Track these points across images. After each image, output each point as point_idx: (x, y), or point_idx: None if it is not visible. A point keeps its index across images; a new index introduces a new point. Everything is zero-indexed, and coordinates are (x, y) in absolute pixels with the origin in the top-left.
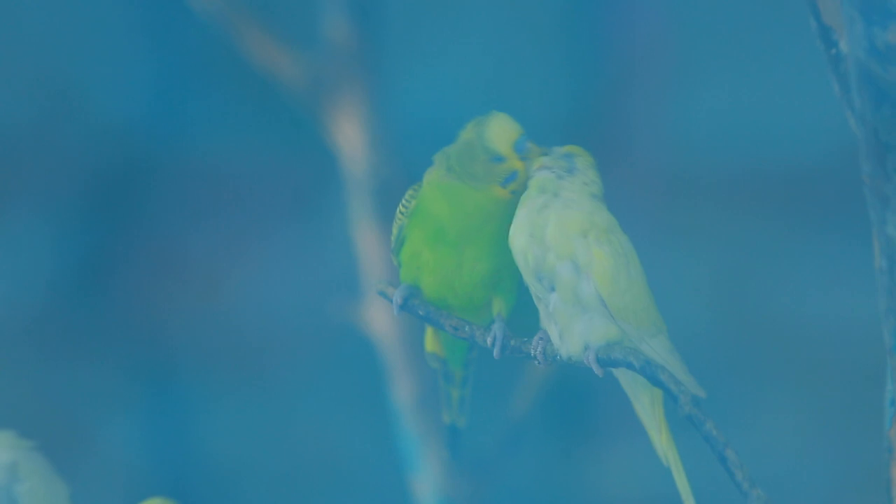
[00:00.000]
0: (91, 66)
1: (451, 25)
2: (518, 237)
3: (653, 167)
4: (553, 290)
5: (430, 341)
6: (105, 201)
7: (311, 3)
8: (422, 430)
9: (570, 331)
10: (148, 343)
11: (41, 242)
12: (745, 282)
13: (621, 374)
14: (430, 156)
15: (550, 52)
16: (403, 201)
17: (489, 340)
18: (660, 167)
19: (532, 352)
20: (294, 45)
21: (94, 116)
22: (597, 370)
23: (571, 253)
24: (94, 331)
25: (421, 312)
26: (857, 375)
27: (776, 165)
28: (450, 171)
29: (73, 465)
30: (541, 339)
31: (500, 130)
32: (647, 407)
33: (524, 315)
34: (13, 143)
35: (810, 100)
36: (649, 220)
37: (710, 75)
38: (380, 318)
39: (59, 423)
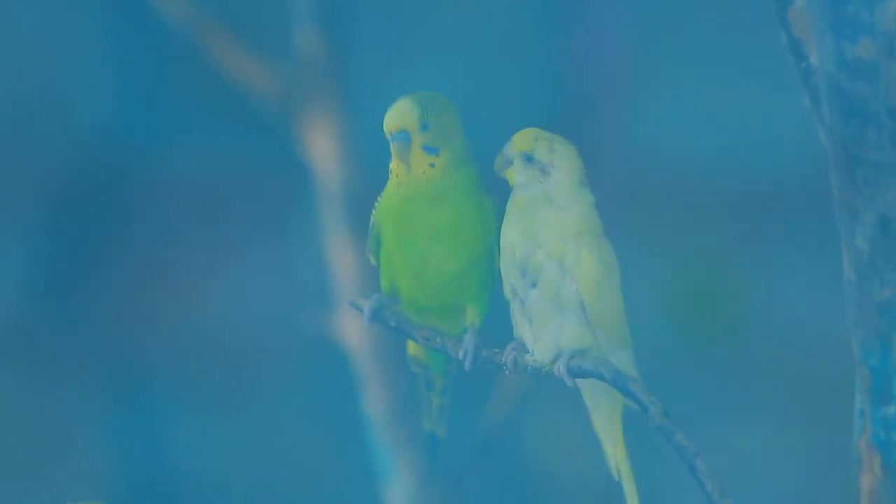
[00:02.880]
0: (63, 77)
1: (422, 37)
2: (509, 233)
3: (622, 178)
4: (534, 285)
5: (413, 344)
6: (78, 212)
7: (283, 15)
8: (395, 441)
9: (544, 330)
10: (121, 353)
11: (14, 252)
12: (715, 293)
13: (584, 385)
14: None
15: (523, 64)
16: (378, 199)
17: (461, 353)
18: (629, 178)
19: (505, 362)
20: (266, 57)
21: (66, 127)
22: (568, 381)
23: (561, 253)
24: (66, 342)
25: (392, 323)
26: (826, 387)
27: (746, 177)
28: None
29: (48, 477)
30: (513, 348)
31: (391, 112)
32: (605, 419)
33: (497, 326)
34: None
35: (780, 112)
36: (617, 230)
37: (681, 87)
38: (353, 329)
39: (35, 435)
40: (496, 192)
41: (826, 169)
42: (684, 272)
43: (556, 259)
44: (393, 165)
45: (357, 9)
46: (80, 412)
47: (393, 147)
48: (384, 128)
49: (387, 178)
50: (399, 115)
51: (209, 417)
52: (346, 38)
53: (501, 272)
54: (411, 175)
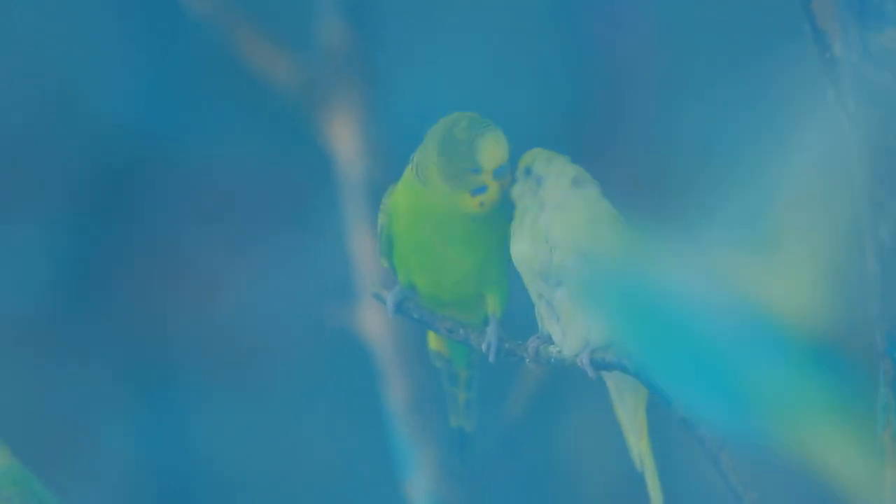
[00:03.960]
0: (86, 69)
1: (444, 28)
2: (519, 248)
3: (642, 172)
4: (559, 285)
5: (434, 339)
6: (100, 205)
7: (306, 7)
8: (416, 434)
9: (572, 326)
10: (142, 347)
11: (36, 246)
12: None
13: (608, 376)
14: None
15: (543, 56)
16: (383, 199)
17: (483, 346)
18: (650, 171)
19: (526, 352)
20: (289, 48)
21: (89, 119)
22: (590, 373)
23: (578, 245)
24: (88, 335)
25: (415, 315)
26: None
27: (769, 168)
28: (420, 178)
29: (68, 469)
30: (537, 338)
31: (491, 150)
32: (630, 411)
33: (520, 316)
34: (8, 146)
35: (804, 103)
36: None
37: (703, 78)
38: (374, 322)
39: (54, 428)
40: None
41: (850, 160)
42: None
43: (575, 252)
44: (482, 198)
45: (380, 1)
46: (101, 404)
47: (496, 182)
48: (485, 162)
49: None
50: (502, 150)
51: (230, 410)
52: (368, 30)
53: (524, 281)
54: (484, 208)
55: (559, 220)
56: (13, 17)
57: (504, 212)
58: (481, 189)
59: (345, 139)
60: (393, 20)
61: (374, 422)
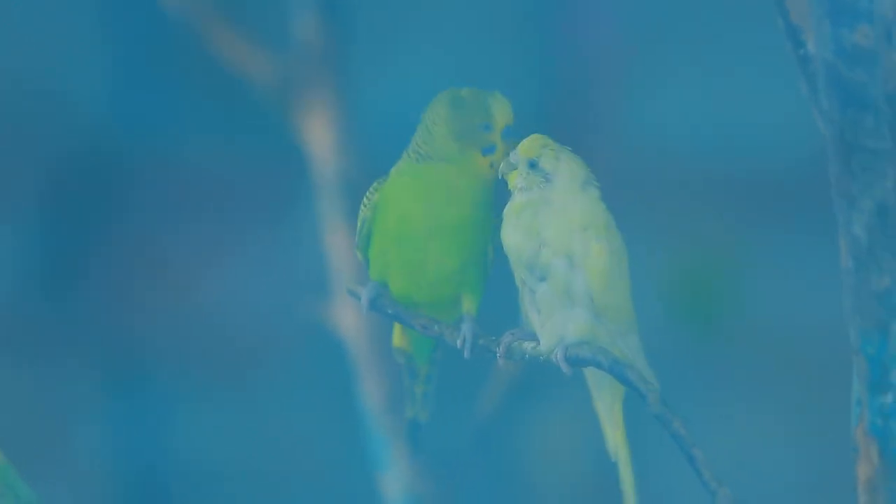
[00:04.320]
0: (61, 66)
1: (420, 25)
2: (511, 236)
3: (619, 167)
4: (543, 279)
5: (398, 337)
6: (75, 202)
7: (281, 4)
8: (390, 430)
9: (549, 320)
10: (117, 344)
11: (11, 244)
12: (712, 281)
13: (587, 370)
14: (399, 155)
15: (519, 52)
16: (367, 194)
17: (459, 342)
18: (626, 167)
19: (498, 347)
20: (264, 45)
21: (65, 117)
22: (565, 369)
23: (568, 248)
24: (64, 332)
25: (390, 311)
26: (823, 375)
27: (743, 165)
28: (420, 156)
29: (44, 468)
30: (511, 334)
31: (503, 108)
32: (607, 404)
33: (494, 313)
34: None
35: (778, 100)
36: (617, 219)
37: (678, 74)
38: (349, 318)
39: (31, 426)
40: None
41: (824, 156)
42: (681, 261)
43: (564, 255)
44: (493, 158)
45: None
46: (77, 402)
47: (507, 142)
48: (497, 118)
49: (386, 167)
50: (510, 110)
51: (205, 407)
52: (344, 26)
53: (511, 267)
54: (493, 172)
55: (556, 221)
56: None
57: (489, 225)
58: (491, 149)
59: (320, 136)
60: (368, 17)
61: (348, 418)
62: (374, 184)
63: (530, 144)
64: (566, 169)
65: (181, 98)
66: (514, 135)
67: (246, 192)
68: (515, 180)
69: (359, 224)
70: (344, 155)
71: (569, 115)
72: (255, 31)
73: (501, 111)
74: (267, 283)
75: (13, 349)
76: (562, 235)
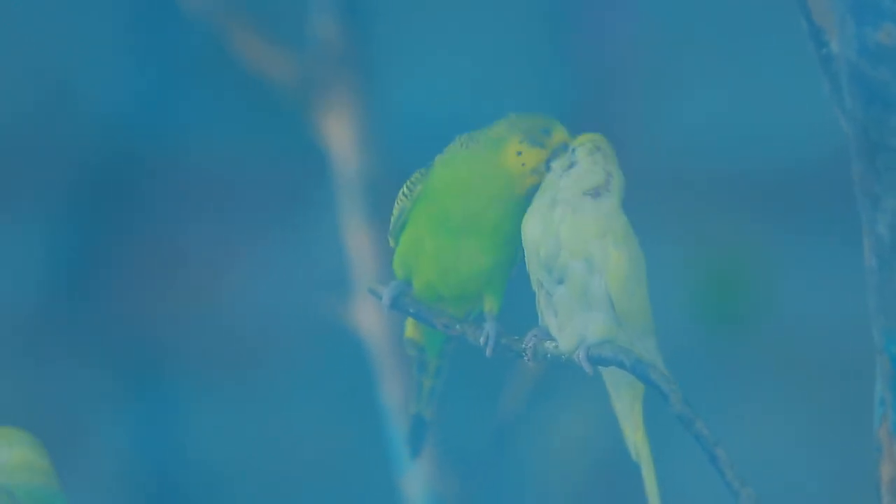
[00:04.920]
0: (81, 65)
1: (440, 24)
2: (531, 228)
3: (642, 167)
4: (561, 282)
5: (411, 328)
6: (95, 200)
7: (301, 3)
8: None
9: (569, 322)
10: (137, 343)
11: (32, 242)
12: (734, 280)
13: (605, 371)
14: (420, 154)
15: (540, 52)
16: (408, 183)
17: (482, 340)
18: (649, 167)
19: (524, 349)
20: (284, 44)
21: (84, 116)
22: (587, 369)
23: (586, 253)
24: (83, 330)
25: (411, 310)
26: (846, 374)
27: (766, 164)
28: (470, 139)
29: (63, 464)
30: (534, 335)
31: (566, 132)
32: (626, 404)
33: (514, 313)
34: (4, 142)
35: (801, 99)
36: (635, 218)
37: (701, 75)
38: (369, 317)
39: (49, 423)
40: None
41: (847, 155)
42: (703, 260)
43: (583, 258)
44: (535, 157)
45: None
46: (95, 402)
47: (554, 152)
48: (558, 131)
49: (406, 166)
50: (569, 137)
51: (225, 405)
52: (363, 25)
53: (527, 266)
54: (517, 165)
55: (570, 223)
56: (9, 13)
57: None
58: (536, 143)
59: (340, 135)
60: (388, 16)
61: (369, 417)
62: (417, 174)
63: (585, 136)
64: (587, 164)
65: (201, 98)
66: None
67: (266, 191)
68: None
69: (396, 212)
70: (364, 154)
71: (591, 115)
72: (275, 30)
73: (564, 132)
74: (287, 282)
75: (29, 349)
76: (579, 239)
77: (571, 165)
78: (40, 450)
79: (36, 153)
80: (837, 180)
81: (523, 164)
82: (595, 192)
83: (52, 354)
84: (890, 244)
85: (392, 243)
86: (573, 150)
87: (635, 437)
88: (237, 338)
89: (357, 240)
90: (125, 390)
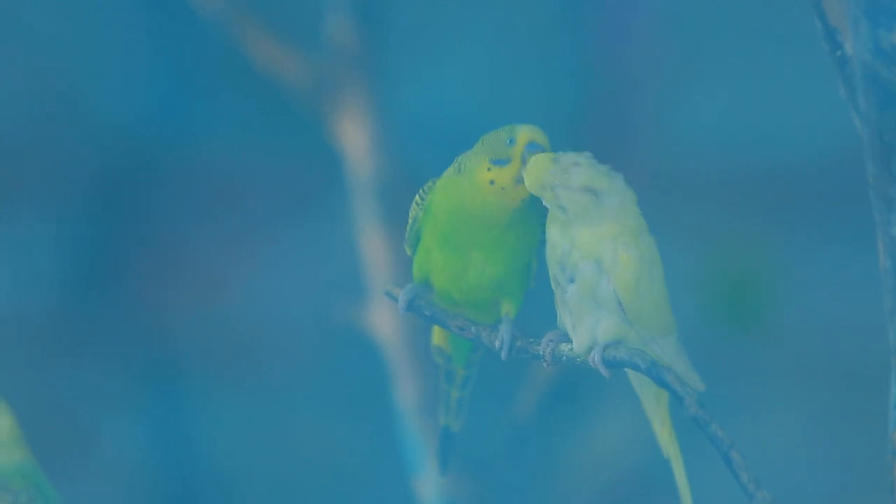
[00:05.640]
0: (95, 68)
1: (454, 27)
2: (552, 230)
3: (656, 167)
4: (572, 281)
5: (438, 334)
6: (108, 203)
7: (315, 5)
8: (425, 433)
9: (581, 322)
10: (151, 344)
11: (44, 243)
12: (748, 282)
13: (631, 370)
14: (434, 156)
15: (552, 53)
16: (421, 192)
17: (497, 343)
18: (663, 167)
19: (542, 352)
20: (298, 46)
21: (98, 118)
22: (603, 372)
23: (597, 254)
24: (96, 332)
25: (427, 313)
26: (861, 377)
27: (781, 166)
28: (458, 170)
29: (74, 465)
30: (550, 340)
31: (531, 130)
32: (652, 402)
33: (532, 315)
34: (17, 144)
35: (815, 101)
36: (652, 219)
37: (715, 76)
38: (384, 320)
39: (60, 424)
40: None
41: (862, 158)
42: (718, 262)
43: (593, 260)
44: (496, 174)
45: None
46: (108, 400)
47: (526, 157)
48: (521, 134)
49: (421, 169)
50: (540, 133)
51: (239, 407)
52: (378, 27)
53: (547, 262)
54: (496, 189)
55: (586, 228)
56: (22, 15)
57: (535, 225)
58: (503, 161)
59: (354, 137)
60: (402, 18)
61: (383, 420)
62: (429, 182)
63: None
64: (617, 192)
65: (216, 100)
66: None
67: (280, 193)
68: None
69: (410, 221)
70: (378, 156)
71: (603, 117)
72: (289, 32)
73: (529, 130)
74: (302, 285)
75: (43, 349)
76: (592, 241)
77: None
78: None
79: (48, 154)
80: (852, 182)
81: (503, 189)
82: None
83: (63, 356)
84: None
85: (409, 252)
86: (589, 189)
87: (662, 433)
88: (250, 340)
89: (371, 242)
90: (136, 392)
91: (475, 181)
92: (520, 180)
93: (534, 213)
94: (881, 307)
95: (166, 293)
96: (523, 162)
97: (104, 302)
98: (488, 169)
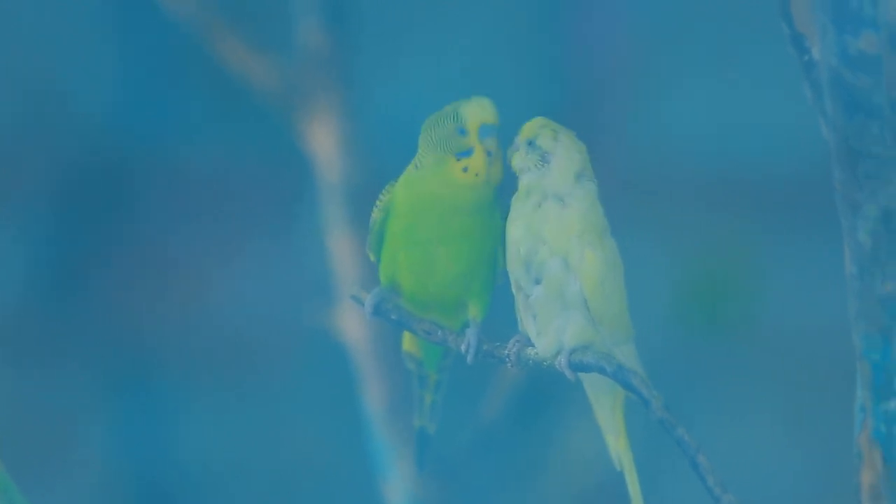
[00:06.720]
0: (66, 71)
1: (425, 31)
2: (514, 229)
3: (625, 170)
4: (538, 282)
5: (408, 340)
6: (79, 205)
7: (285, 9)
8: (393, 436)
9: (548, 325)
10: (122, 347)
11: (18, 245)
12: (717, 286)
13: (585, 377)
14: (404, 160)
15: (525, 58)
16: (380, 196)
17: (463, 347)
18: (632, 170)
19: (507, 355)
20: (268, 50)
21: (70, 121)
22: (569, 375)
23: (565, 251)
24: (68, 335)
25: (393, 317)
26: (827, 380)
27: (748, 170)
28: (417, 166)
29: (47, 469)
30: (517, 341)
31: (477, 108)
32: (607, 411)
33: (498, 319)
34: None
35: (783, 106)
36: (619, 221)
37: (684, 79)
38: (353, 324)
39: (34, 429)
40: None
41: (828, 163)
42: (685, 264)
43: (561, 256)
44: (467, 162)
45: (359, 3)
46: (83, 404)
47: (485, 142)
48: (469, 119)
49: (391, 173)
50: (486, 110)
51: (209, 411)
52: (348, 32)
53: (507, 267)
54: (470, 176)
55: (556, 221)
56: None
57: (497, 229)
58: (466, 152)
59: (324, 141)
60: (372, 22)
61: (351, 423)
62: (388, 186)
63: (531, 125)
64: (563, 150)
65: (185, 103)
66: (500, 133)
67: (250, 197)
68: (516, 161)
69: (371, 225)
70: (348, 160)
71: (576, 120)
72: (259, 36)
73: (475, 112)
74: (271, 288)
75: (17, 352)
76: (560, 236)
77: (544, 159)
78: None
79: (19, 158)
80: (819, 186)
81: (476, 175)
82: (580, 175)
83: (37, 360)
84: (870, 251)
85: (372, 257)
86: (530, 142)
87: (617, 444)
88: (221, 344)
89: (340, 246)
90: (110, 395)
91: (444, 173)
92: (491, 162)
93: (496, 203)
94: (847, 311)
95: (136, 296)
96: (482, 146)
97: (75, 305)
98: (457, 160)
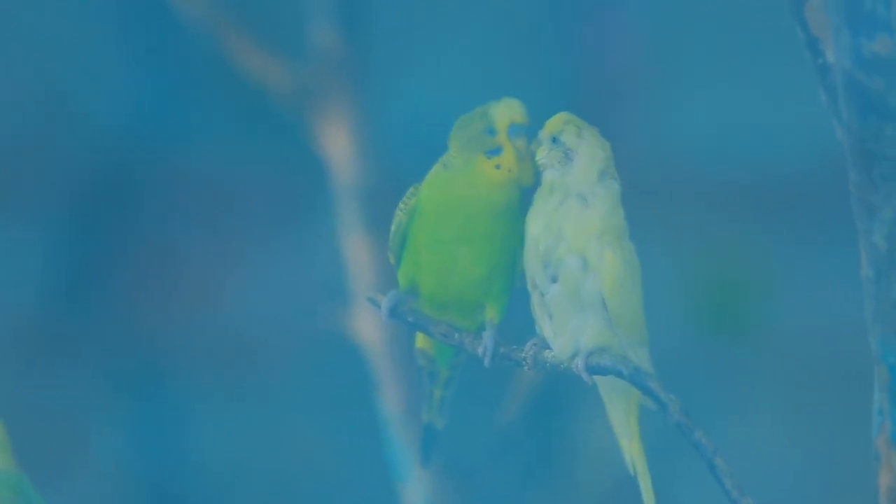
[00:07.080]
0: (80, 74)
1: (438, 32)
2: (534, 226)
3: (638, 175)
4: (555, 280)
5: (421, 337)
6: (94, 209)
7: (299, 11)
8: (410, 438)
9: (564, 326)
10: (136, 350)
11: (30, 250)
12: (732, 289)
13: (600, 380)
14: (418, 162)
15: (538, 59)
16: (404, 199)
17: (480, 349)
18: (646, 174)
19: (524, 358)
20: (282, 53)
21: (83, 124)
22: (586, 378)
23: (584, 249)
24: (81, 338)
25: (409, 319)
26: (844, 383)
27: (763, 173)
28: (445, 166)
29: (62, 471)
30: (534, 344)
31: (506, 109)
32: (622, 415)
33: (515, 322)
34: (2, 150)
35: (797, 109)
36: (632, 224)
37: (698, 83)
38: (368, 326)
39: (48, 431)
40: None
41: (843, 166)
42: (701, 269)
43: (580, 255)
44: (498, 160)
45: (373, 5)
46: (96, 406)
47: (514, 141)
48: (498, 119)
49: (405, 175)
50: (515, 110)
51: (224, 414)
52: (361, 34)
53: (524, 264)
54: (502, 173)
55: (576, 219)
56: (6, 22)
57: (521, 221)
58: (496, 150)
59: (338, 144)
60: (385, 25)
61: (368, 426)
62: (411, 189)
63: (555, 120)
64: (587, 148)
65: (198, 106)
66: (527, 133)
67: (264, 200)
68: (539, 156)
69: (394, 227)
70: (362, 163)
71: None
72: (273, 39)
73: (503, 112)
74: (286, 291)
75: (30, 355)
76: (580, 236)
77: (568, 156)
78: None
79: (33, 161)
80: (835, 189)
81: (510, 171)
82: (603, 173)
83: (51, 361)
84: (886, 254)
85: (392, 259)
86: (554, 138)
87: (631, 448)
88: (235, 346)
89: (355, 248)
90: (123, 398)
91: (474, 172)
92: (521, 159)
93: (522, 207)
94: (864, 315)
95: (151, 299)
96: (512, 145)
97: (89, 308)
98: (487, 158)
